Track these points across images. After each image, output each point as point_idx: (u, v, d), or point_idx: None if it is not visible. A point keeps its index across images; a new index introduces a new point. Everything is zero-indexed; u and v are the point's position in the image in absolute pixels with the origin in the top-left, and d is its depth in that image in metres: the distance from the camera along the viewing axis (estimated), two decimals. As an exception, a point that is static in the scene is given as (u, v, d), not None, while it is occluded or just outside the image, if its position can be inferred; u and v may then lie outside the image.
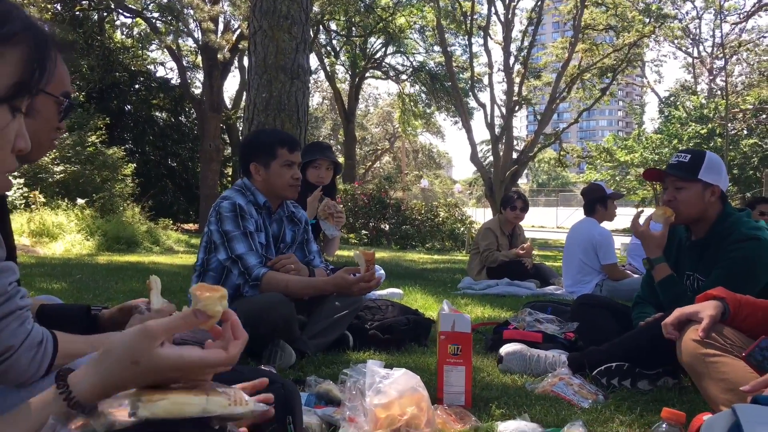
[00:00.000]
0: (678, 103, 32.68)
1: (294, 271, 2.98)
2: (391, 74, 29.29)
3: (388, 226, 15.68)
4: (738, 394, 1.71)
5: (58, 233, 9.57)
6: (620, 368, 2.58)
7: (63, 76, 1.30)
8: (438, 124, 36.85)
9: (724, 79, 27.97)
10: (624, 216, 6.79)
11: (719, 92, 30.90)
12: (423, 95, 30.21)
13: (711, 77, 33.53)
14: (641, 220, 2.92)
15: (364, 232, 15.35)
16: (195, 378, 0.93)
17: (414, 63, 28.45)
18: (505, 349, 2.89)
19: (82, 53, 17.70)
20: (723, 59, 28.66)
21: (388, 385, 1.84)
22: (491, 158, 25.35)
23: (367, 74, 28.89)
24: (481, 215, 25.81)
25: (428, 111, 31.26)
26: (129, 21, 22.01)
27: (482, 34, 23.90)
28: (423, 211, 16.25)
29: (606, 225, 5.64)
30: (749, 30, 30.29)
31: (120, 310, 1.84)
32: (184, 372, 0.90)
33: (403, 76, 29.05)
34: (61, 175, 11.78)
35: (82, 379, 0.88)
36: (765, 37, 29.25)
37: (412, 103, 29.95)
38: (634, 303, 3.02)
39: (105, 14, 20.51)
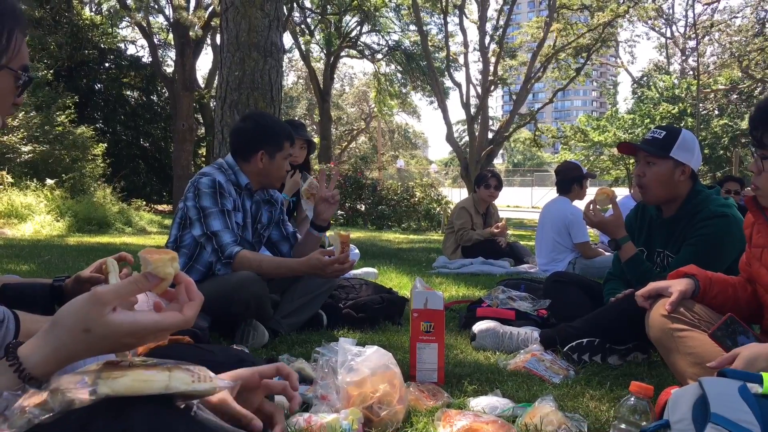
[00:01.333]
0: (651, 83, 33.00)
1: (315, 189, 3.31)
2: (367, 53, 29.02)
3: (364, 207, 15.65)
4: (705, 368, 1.74)
5: (27, 214, 9.40)
6: (591, 344, 2.61)
7: (22, 50, 1.25)
8: (414, 104, 36.75)
9: (696, 59, 28.26)
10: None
11: (691, 72, 31.24)
12: (398, 75, 30.01)
13: (684, 57, 33.87)
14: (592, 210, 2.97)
15: (340, 212, 15.30)
16: (151, 342, 0.91)
17: (389, 42, 28.22)
18: (478, 326, 2.90)
19: (50, 30, 17.23)
20: (695, 39, 28.92)
21: (360, 363, 1.83)
22: (467, 138, 25.35)
23: (343, 53, 28.59)
24: (456, 195, 25.85)
25: (404, 91, 31.10)
26: (98, -3, 21.51)
27: (458, 12, 23.77)
28: (399, 192, 16.24)
29: (577, 204, 5.68)
30: (721, 10, 30.61)
31: (75, 280, 1.81)
32: (140, 337, 0.87)
33: (379, 56, 28.82)
34: (30, 155, 11.53)
35: (33, 351, 0.84)
36: (737, 17, 29.54)
37: (387, 83, 29.76)
38: (605, 280, 3.06)
39: (73, -10, 19.96)
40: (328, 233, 2.83)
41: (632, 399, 1.59)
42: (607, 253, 5.45)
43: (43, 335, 0.85)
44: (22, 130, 11.62)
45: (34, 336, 0.86)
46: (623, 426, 1.58)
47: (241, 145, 2.97)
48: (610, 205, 2.97)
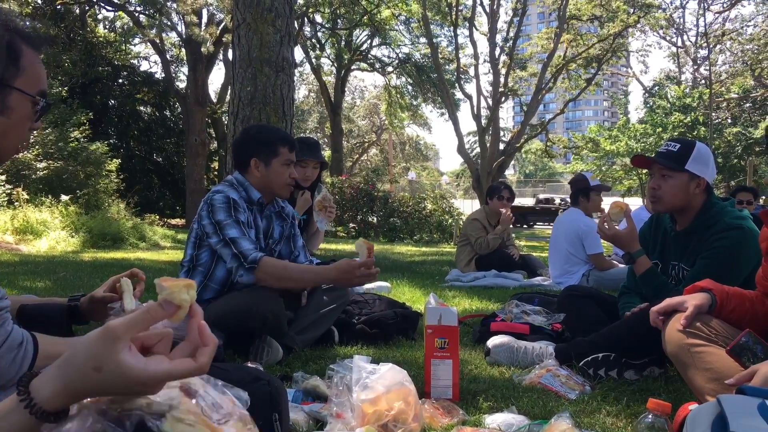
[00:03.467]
0: (662, 93, 32.87)
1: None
2: (377, 66, 29.18)
3: (375, 219, 15.68)
4: (723, 384, 1.72)
5: (42, 230, 9.48)
6: (607, 359, 2.59)
7: (39, 75, 1.25)
8: (425, 116, 36.82)
9: (708, 68, 28.14)
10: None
11: (703, 81, 31.10)
12: (409, 87, 30.14)
13: (695, 66, 33.73)
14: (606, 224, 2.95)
15: (351, 225, 15.34)
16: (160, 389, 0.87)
17: (400, 55, 28.38)
18: (493, 341, 2.89)
19: (64, 48, 17.48)
20: (707, 48, 28.81)
21: (375, 380, 1.83)
22: (478, 149, 25.37)
23: (353, 66, 28.78)
24: (468, 206, 25.84)
25: (415, 103, 31.20)
26: (111, 15, 21.86)
27: (468, 25, 23.86)
28: (410, 204, 16.25)
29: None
30: (732, 19, 30.61)
31: (90, 300, 1.82)
32: (150, 386, 0.83)
33: (389, 68, 28.97)
34: (44, 172, 11.66)
35: (44, 385, 0.81)
36: (748, 26, 29.43)
37: (398, 95, 29.88)
38: (621, 293, 3.03)
39: (87, 8, 20.23)
40: (356, 243, 2.83)
41: (650, 416, 1.58)
42: (621, 266, 5.42)
43: (56, 369, 0.82)
44: (37, 146, 11.76)
45: (49, 367, 0.83)
46: (641, 444, 1.56)
47: (237, 157, 3.02)
48: (623, 218, 2.96)
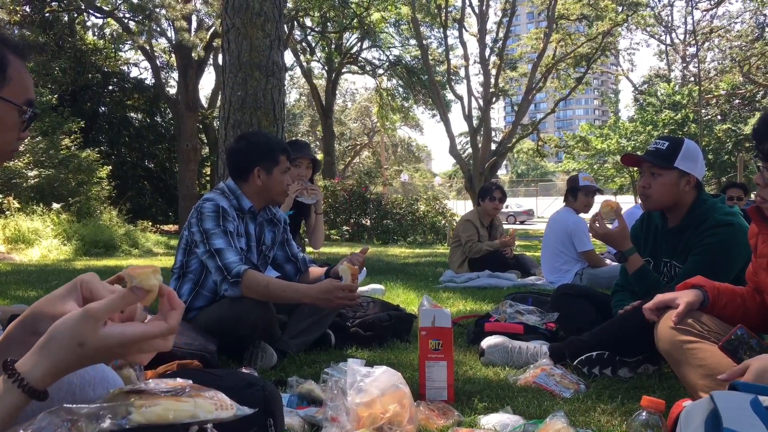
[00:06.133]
0: (651, 91, 33.04)
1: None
2: (368, 69, 29.20)
3: (369, 221, 15.67)
4: (716, 380, 1.73)
5: (34, 239, 9.43)
6: (601, 357, 2.60)
7: (26, 84, 1.24)
8: (416, 118, 36.88)
9: (696, 65, 28.30)
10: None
11: (692, 79, 31.27)
12: (400, 89, 30.18)
13: (684, 64, 33.91)
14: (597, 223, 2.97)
15: (345, 227, 15.33)
16: (139, 351, 0.95)
17: (390, 57, 28.41)
18: (487, 341, 2.89)
19: (54, 55, 17.42)
20: (695, 46, 28.97)
21: (370, 384, 1.83)
22: (470, 150, 25.42)
23: (344, 69, 28.79)
24: (461, 207, 25.88)
25: (406, 105, 31.24)
26: (100, 22, 21.71)
27: (457, 26, 23.92)
28: (404, 205, 16.26)
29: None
30: (720, 16, 30.63)
31: None
32: (128, 346, 0.93)
33: (380, 71, 28.99)
34: (35, 180, 11.60)
35: (31, 366, 0.89)
36: (736, 22, 29.62)
37: (389, 98, 29.91)
38: (613, 291, 3.04)
39: (75, 15, 20.15)
40: (340, 267, 2.82)
41: (644, 414, 1.59)
42: (614, 263, 5.44)
43: (38, 350, 0.90)
44: (27, 155, 11.70)
45: (30, 352, 0.90)
46: (636, 441, 1.57)
47: (237, 165, 2.98)
48: (614, 217, 2.98)
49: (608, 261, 5.55)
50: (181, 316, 1.00)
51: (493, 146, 24.11)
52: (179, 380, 1.02)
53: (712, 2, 28.42)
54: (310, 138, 38.15)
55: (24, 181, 11.43)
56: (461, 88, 28.85)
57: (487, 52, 23.99)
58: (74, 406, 0.89)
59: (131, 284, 0.95)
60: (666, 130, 27.80)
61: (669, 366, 2.30)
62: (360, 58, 28.92)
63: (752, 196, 5.33)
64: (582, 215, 5.63)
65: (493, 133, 26.56)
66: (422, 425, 1.93)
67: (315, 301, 2.77)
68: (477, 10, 23.56)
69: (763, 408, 1.28)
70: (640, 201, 2.90)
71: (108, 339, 0.90)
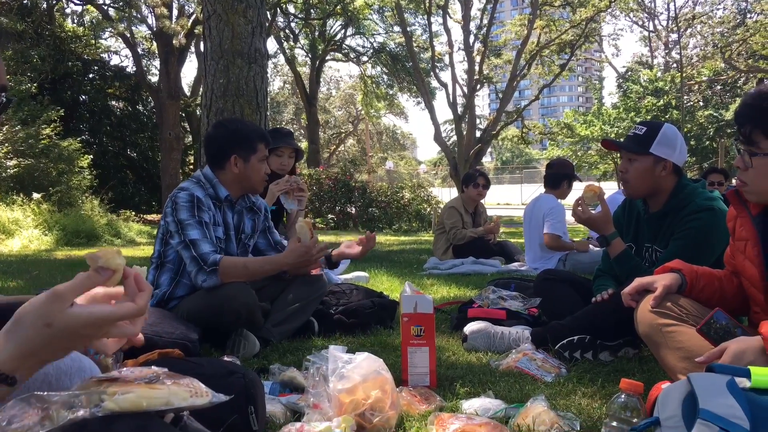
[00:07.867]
0: (635, 77, 33.20)
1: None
2: (352, 56, 29.04)
3: (354, 210, 15.64)
4: (695, 363, 1.74)
5: (14, 229, 9.32)
6: (582, 341, 2.62)
7: None
8: (401, 106, 36.73)
9: (679, 52, 28.44)
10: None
11: (675, 65, 31.45)
12: (384, 77, 30.06)
13: (667, 50, 34.07)
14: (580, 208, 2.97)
15: (330, 216, 15.29)
16: (107, 334, 0.95)
17: (374, 44, 28.26)
18: (470, 327, 2.90)
19: (32, 43, 17.13)
20: (677, 32, 29.11)
21: (351, 370, 1.83)
22: (455, 138, 25.39)
23: (328, 57, 28.60)
24: (447, 195, 25.89)
25: (391, 92, 31.12)
26: (80, 9, 21.37)
27: (441, 12, 23.82)
28: (389, 193, 16.25)
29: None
30: (702, 2, 30.78)
31: None
32: (97, 327, 0.92)
33: (364, 58, 28.85)
34: (15, 170, 11.43)
35: None
36: (718, 9, 29.78)
37: (374, 85, 29.80)
38: (595, 276, 3.06)
39: (54, 2, 19.81)
40: (297, 227, 2.87)
41: (623, 396, 1.60)
42: (596, 249, 5.47)
43: (4, 334, 0.90)
44: (6, 144, 11.53)
45: None
46: (615, 423, 1.58)
47: (214, 152, 2.95)
48: (597, 202, 2.99)
49: (591, 246, 5.58)
50: (149, 297, 1.00)
51: (478, 133, 24.09)
52: (154, 368, 1.02)
53: (695, -11, 28.53)
54: (294, 126, 37.96)
55: (3, 171, 11.26)
56: (446, 75, 28.89)
57: (472, 38, 23.93)
58: (45, 393, 0.88)
59: (96, 265, 0.95)
60: (649, 117, 27.94)
61: (649, 349, 2.32)
62: (344, 45, 28.74)
63: (733, 181, 5.38)
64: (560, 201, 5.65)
65: (478, 121, 26.52)
66: (404, 411, 1.93)
67: (295, 265, 2.88)
68: (461, -3, 23.48)
69: (739, 389, 1.30)
70: (622, 187, 2.90)
71: (75, 319, 0.89)
